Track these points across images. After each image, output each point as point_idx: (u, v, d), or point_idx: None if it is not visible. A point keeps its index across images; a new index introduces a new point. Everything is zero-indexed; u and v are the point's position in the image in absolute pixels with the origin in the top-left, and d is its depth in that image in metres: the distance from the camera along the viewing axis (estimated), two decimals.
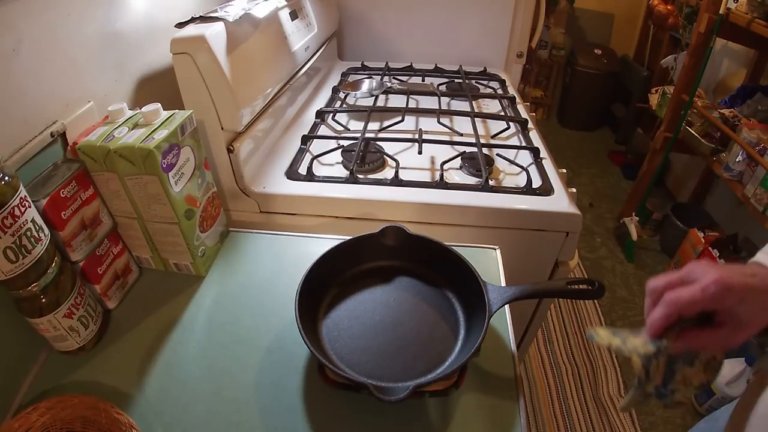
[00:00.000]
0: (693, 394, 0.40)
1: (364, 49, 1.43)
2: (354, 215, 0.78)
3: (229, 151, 0.74)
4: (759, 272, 0.37)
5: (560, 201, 0.77)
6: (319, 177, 0.81)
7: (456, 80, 1.26)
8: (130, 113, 0.58)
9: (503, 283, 0.64)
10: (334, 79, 1.27)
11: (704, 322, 0.38)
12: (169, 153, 0.54)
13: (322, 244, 0.67)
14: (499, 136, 0.97)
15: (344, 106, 1.12)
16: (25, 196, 0.44)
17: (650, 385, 0.40)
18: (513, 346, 0.56)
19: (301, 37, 0.98)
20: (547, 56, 2.89)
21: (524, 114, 1.08)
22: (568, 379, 1.50)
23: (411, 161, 0.86)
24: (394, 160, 0.83)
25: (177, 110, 0.59)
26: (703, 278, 0.36)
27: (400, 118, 0.98)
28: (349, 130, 0.99)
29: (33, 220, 0.45)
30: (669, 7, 2.20)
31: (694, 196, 2.07)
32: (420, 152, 0.85)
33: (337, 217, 0.79)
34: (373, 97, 1.09)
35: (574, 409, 1.41)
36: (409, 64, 1.34)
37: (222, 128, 0.71)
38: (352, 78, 1.26)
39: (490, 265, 0.67)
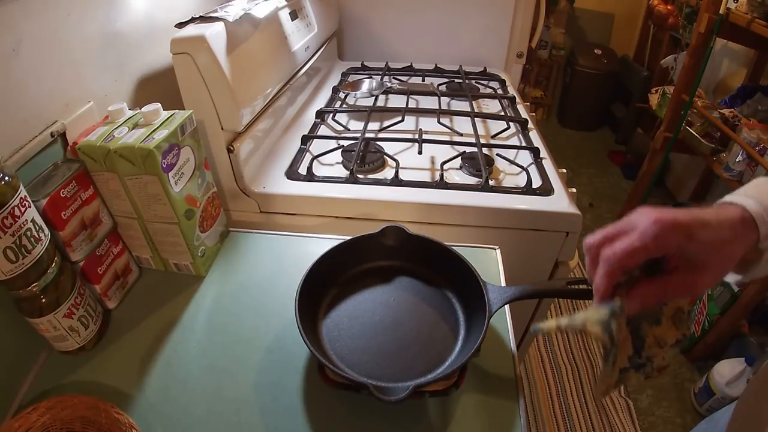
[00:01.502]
0: (673, 353, 0.36)
1: (364, 49, 1.43)
2: (354, 215, 0.78)
3: (229, 151, 0.74)
4: (715, 209, 0.33)
5: (560, 201, 0.77)
6: (319, 177, 0.81)
7: (456, 80, 1.26)
8: (130, 113, 0.58)
9: (503, 283, 0.64)
10: (334, 79, 1.27)
11: (655, 272, 0.34)
12: (169, 153, 0.54)
13: (322, 244, 0.67)
14: (499, 136, 0.96)
15: (344, 106, 1.12)
16: (25, 196, 0.44)
17: (621, 355, 0.36)
18: (513, 346, 0.56)
19: (301, 37, 0.98)
20: (547, 56, 2.89)
21: (524, 114, 1.08)
22: (568, 379, 1.50)
23: (411, 161, 0.86)
24: (394, 160, 0.83)
25: (177, 110, 0.59)
26: (641, 223, 0.31)
27: (400, 118, 0.98)
28: (349, 130, 0.99)
29: (33, 220, 0.45)
30: (669, 7, 2.20)
31: (694, 196, 2.07)
32: (420, 152, 0.85)
33: (337, 217, 0.79)
34: (373, 97, 1.09)
35: (574, 409, 1.41)
36: (409, 64, 1.34)
37: (222, 128, 0.71)
38: (352, 78, 1.26)
39: (490, 265, 0.67)
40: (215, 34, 0.66)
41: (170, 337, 0.57)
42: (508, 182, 0.82)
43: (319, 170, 0.83)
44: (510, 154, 0.89)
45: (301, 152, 0.89)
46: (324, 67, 1.28)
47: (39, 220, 0.46)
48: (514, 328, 0.58)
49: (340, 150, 0.88)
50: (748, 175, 1.41)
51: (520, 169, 0.84)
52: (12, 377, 0.52)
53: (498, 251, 0.69)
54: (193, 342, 0.56)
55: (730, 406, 0.50)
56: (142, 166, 0.52)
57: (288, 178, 0.82)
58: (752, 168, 1.40)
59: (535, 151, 0.89)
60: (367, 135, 0.91)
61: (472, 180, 0.82)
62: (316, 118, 1.02)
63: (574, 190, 0.82)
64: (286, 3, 0.92)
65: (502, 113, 1.07)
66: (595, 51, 2.78)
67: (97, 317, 0.55)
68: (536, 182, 0.81)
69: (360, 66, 1.34)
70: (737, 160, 1.45)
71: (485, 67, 1.34)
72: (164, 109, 0.58)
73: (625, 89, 2.74)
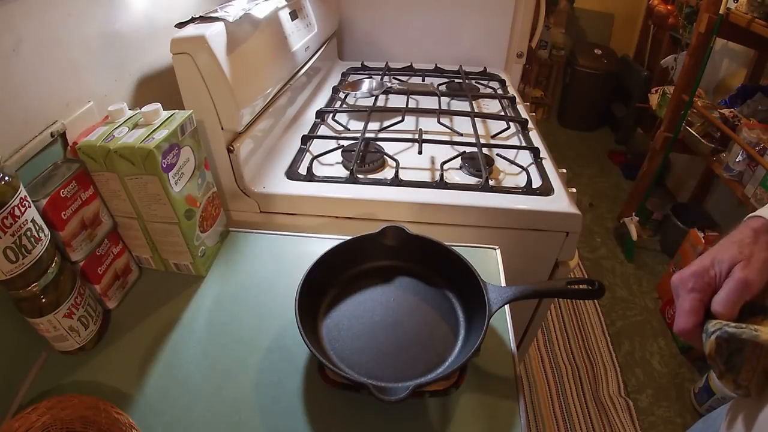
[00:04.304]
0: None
1: (364, 49, 1.43)
2: (354, 215, 0.78)
3: (229, 151, 0.74)
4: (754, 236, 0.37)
5: (560, 201, 0.77)
6: (319, 177, 0.81)
7: (456, 80, 1.26)
8: (130, 113, 0.58)
9: (503, 283, 0.64)
10: (334, 79, 1.27)
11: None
12: (169, 153, 0.54)
13: (322, 244, 0.67)
14: (499, 136, 0.97)
15: (344, 106, 1.12)
16: (25, 196, 0.44)
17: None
18: (513, 346, 0.56)
19: (301, 37, 0.98)
20: (547, 56, 2.89)
21: (524, 114, 1.08)
22: (568, 379, 1.50)
23: (411, 161, 0.86)
24: (394, 160, 0.83)
25: (177, 110, 0.59)
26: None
27: (400, 118, 0.98)
28: (349, 130, 0.99)
29: (33, 220, 0.45)
30: (669, 7, 2.20)
31: (694, 196, 2.07)
32: (420, 152, 0.85)
33: (337, 217, 0.79)
34: (373, 97, 1.09)
35: (574, 409, 1.41)
36: (409, 64, 1.34)
37: (222, 128, 0.71)
38: (352, 78, 1.26)
39: (490, 265, 0.67)
40: (215, 34, 0.66)
41: (170, 337, 0.57)
42: (508, 182, 0.82)
43: (319, 170, 0.83)
44: (510, 154, 0.89)
45: (301, 152, 0.89)
46: (324, 67, 1.28)
47: (39, 220, 0.46)
48: (514, 328, 0.58)
49: (340, 150, 0.88)
50: (748, 175, 1.41)
51: (520, 169, 0.84)
52: (12, 377, 0.52)
53: (498, 251, 0.69)
54: (193, 342, 0.56)
55: (725, 406, 0.51)
56: (142, 166, 0.52)
57: (288, 178, 0.82)
58: (752, 168, 1.40)
59: (535, 151, 0.89)
60: (367, 135, 0.91)
61: (472, 180, 0.82)
62: (316, 118, 1.02)
63: (574, 190, 0.82)
64: (286, 3, 0.92)
65: (502, 113, 1.07)
66: (595, 51, 2.78)
67: (97, 317, 0.55)
68: (536, 182, 0.81)
69: (360, 66, 1.34)
70: (737, 160, 1.45)
71: (485, 67, 1.34)
72: (164, 109, 0.58)
73: (625, 89, 2.74)
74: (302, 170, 0.83)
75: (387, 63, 1.33)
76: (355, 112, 1.07)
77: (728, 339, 0.34)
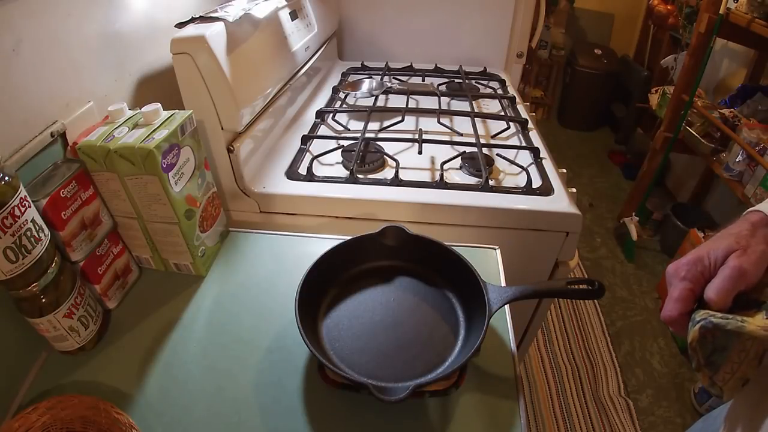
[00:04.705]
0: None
1: (364, 49, 1.43)
2: (354, 215, 0.78)
3: (229, 151, 0.74)
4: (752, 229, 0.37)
5: (560, 201, 0.77)
6: (319, 177, 0.81)
7: (456, 80, 1.26)
8: (130, 113, 0.58)
9: (503, 283, 0.64)
10: (334, 79, 1.27)
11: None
12: (169, 153, 0.54)
13: (322, 244, 0.67)
14: (499, 136, 0.96)
15: (344, 106, 1.12)
16: (25, 196, 0.44)
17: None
18: (513, 346, 0.56)
19: (301, 37, 0.98)
20: (547, 56, 2.89)
21: (524, 114, 1.08)
22: (568, 379, 1.50)
23: (411, 161, 0.86)
24: (394, 160, 0.83)
25: (177, 110, 0.59)
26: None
27: (400, 118, 0.98)
28: (349, 130, 0.99)
29: (33, 220, 0.45)
30: (669, 7, 2.20)
31: (694, 196, 2.07)
32: (420, 152, 0.85)
33: (337, 217, 0.79)
34: (373, 97, 1.09)
35: (574, 409, 1.41)
36: (409, 64, 1.34)
37: (222, 128, 0.71)
38: (352, 78, 1.26)
39: (490, 265, 0.67)
40: (215, 34, 0.66)
41: (170, 337, 0.57)
42: (508, 182, 0.82)
43: (319, 170, 0.83)
44: (510, 154, 0.89)
45: (301, 152, 0.89)
46: (324, 67, 1.28)
47: (39, 220, 0.46)
48: (514, 328, 0.58)
49: (340, 150, 0.88)
50: (748, 175, 1.41)
51: (520, 169, 0.84)
52: (12, 377, 0.52)
53: (498, 251, 0.69)
54: (193, 342, 0.56)
55: (725, 406, 0.51)
56: (142, 166, 0.52)
57: (288, 178, 0.82)
58: (752, 168, 1.40)
59: (535, 151, 0.89)
60: (367, 135, 0.91)
61: (472, 180, 0.82)
62: (316, 118, 1.02)
63: (574, 190, 0.82)
64: (286, 3, 0.92)
65: (502, 113, 1.07)
66: (595, 51, 2.78)
67: (97, 317, 0.55)
68: (536, 182, 0.81)
69: (360, 66, 1.34)
70: (737, 160, 1.45)
71: (485, 67, 1.34)
72: (164, 109, 0.58)
73: (625, 89, 2.74)
74: (302, 170, 0.83)
75: (387, 63, 1.33)
76: (355, 112, 1.07)
77: (712, 329, 0.34)
